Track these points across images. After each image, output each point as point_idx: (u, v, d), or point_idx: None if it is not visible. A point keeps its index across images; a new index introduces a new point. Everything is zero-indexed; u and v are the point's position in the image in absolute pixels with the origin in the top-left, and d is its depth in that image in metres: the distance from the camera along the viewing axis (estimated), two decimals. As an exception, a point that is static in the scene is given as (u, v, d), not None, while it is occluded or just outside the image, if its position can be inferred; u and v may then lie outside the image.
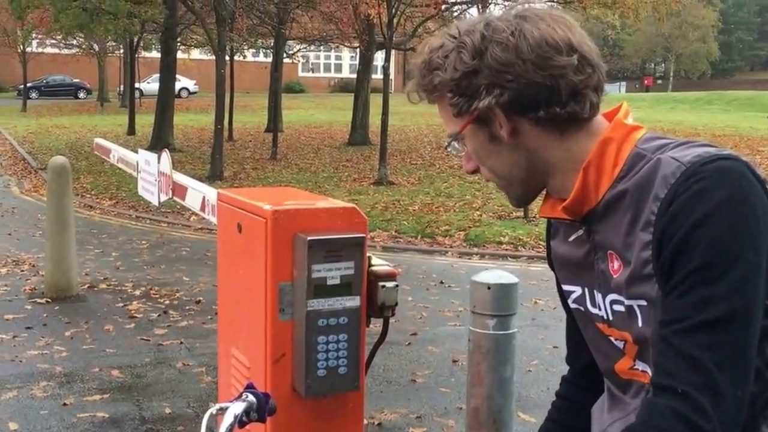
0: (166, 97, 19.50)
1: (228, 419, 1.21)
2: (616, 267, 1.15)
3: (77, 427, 3.90)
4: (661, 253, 1.06)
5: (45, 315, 5.74)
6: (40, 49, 32.82)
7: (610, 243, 1.15)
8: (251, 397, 1.25)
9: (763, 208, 1.04)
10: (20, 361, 4.81)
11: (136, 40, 23.07)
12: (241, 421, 1.23)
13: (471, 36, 1.13)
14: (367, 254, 1.82)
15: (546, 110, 1.13)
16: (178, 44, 22.45)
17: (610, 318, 1.19)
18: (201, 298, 6.27)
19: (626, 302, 1.14)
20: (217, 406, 1.24)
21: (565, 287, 1.29)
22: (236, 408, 1.23)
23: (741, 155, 1.09)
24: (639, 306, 1.12)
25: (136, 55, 24.72)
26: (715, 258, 1.01)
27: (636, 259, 1.10)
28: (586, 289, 1.23)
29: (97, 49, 33.75)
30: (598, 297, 1.20)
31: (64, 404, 4.14)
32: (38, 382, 4.45)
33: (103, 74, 36.40)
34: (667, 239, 1.05)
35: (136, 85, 25.94)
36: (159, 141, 17.95)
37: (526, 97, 1.12)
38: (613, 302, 1.17)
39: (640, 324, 1.13)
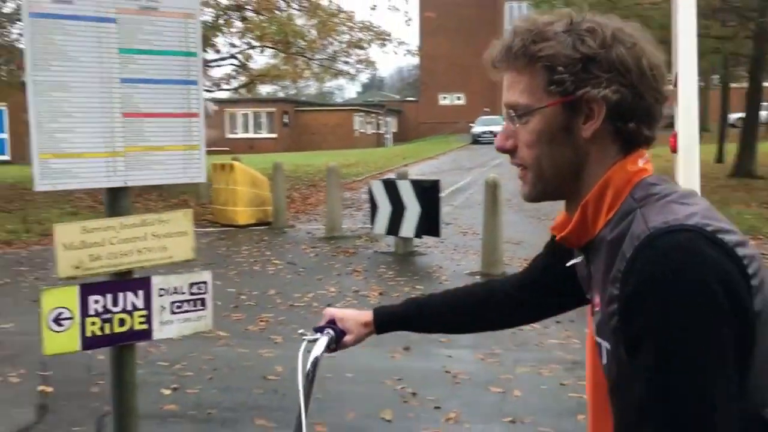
0: (751, 125, 18.81)
1: (320, 347, 1.60)
2: (596, 302, 1.19)
3: (565, 403, 4.54)
4: (624, 323, 1.07)
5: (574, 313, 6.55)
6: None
7: (597, 278, 1.18)
8: (332, 332, 1.63)
9: (718, 287, 1.01)
10: (541, 346, 5.71)
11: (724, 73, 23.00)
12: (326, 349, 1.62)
13: (602, 27, 1.16)
14: None
15: (637, 124, 1.16)
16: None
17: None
18: None
19: (596, 338, 1.20)
20: (307, 338, 1.62)
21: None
22: (324, 340, 1.62)
23: (708, 221, 1.06)
24: (605, 348, 1.16)
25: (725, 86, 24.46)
26: (671, 353, 1.00)
27: (605, 307, 1.13)
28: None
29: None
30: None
31: (561, 384, 4.83)
32: (548, 364, 5.26)
33: (705, 104, 36.72)
34: (627, 319, 1.06)
35: (731, 115, 25.92)
36: (742, 168, 17.50)
37: (629, 105, 1.15)
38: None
39: (604, 361, 1.17)
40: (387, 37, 19.42)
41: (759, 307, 1.04)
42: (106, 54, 2.60)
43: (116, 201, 2.67)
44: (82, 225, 2.55)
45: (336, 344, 1.64)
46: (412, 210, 9.15)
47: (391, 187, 9.45)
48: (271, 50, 19.46)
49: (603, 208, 1.17)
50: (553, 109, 1.17)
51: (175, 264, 2.78)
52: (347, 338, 1.66)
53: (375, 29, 19.21)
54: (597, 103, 1.14)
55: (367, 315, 1.69)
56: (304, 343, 1.58)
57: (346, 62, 20.58)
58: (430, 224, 9.10)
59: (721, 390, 1.00)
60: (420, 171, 22.43)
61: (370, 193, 9.86)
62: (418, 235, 9.24)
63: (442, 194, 10.24)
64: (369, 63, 20.99)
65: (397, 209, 9.31)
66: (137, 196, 14.40)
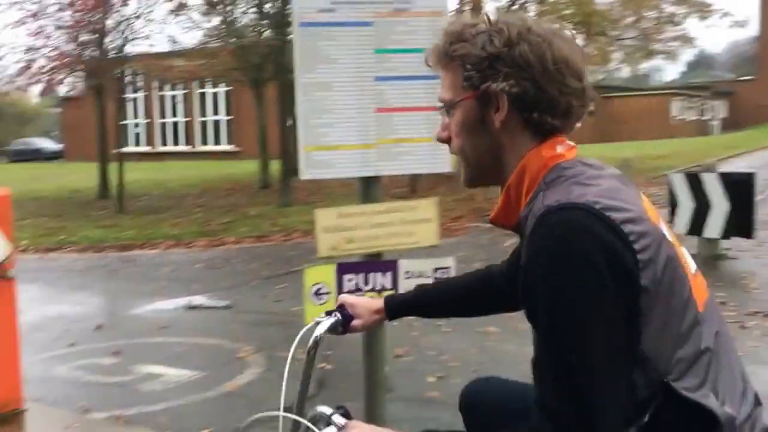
0: None
1: (322, 327, 1.85)
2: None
3: None
4: (524, 294, 1.33)
5: None
6: None
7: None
8: (339, 315, 1.88)
9: (598, 259, 1.23)
10: None
11: None
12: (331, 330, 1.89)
13: (509, 27, 1.40)
14: None
15: (540, 114, 1.40)
16: None
17: None
18: None
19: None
20: (316, 319, 1.89)
21: None
22: (328, 322, 1.88)
23: (600, 199, 1.28)
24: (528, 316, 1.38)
25: None
26: (552, 309, 1.26)
27: (521, 281, 1.35)
28: None
29: None
30: None
31: None
32: None
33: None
34: (526, 290, 1.31)
35: None
36: None
37: (531, 98, 1.40)
38: None
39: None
40: (707, 9, 18.38)
41: (646, 282, 1.27)
42: (363, 55, 3.10)
43: (368, 189, 3.17)
44: (338, 210, 3.09)
45: (343, 328, 1.93)
46: (719, 207, 8.72)
47: (694, 180, 9.09)
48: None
49: (522, 190, 1.41)
50: (469, 103, 1.45)
51: (420, 249, 3.21)
52: (356, 323, 1.93)
53: (692, 1, 18.29)
54: (501, 96, 1.41)
55: (379, 302, 1.95)
56: (312, 323, 1.87)
57: (659, 41, 19.87)
58: (741, 224, 8.60)
59: (603, 349, 1.24)
60: (748, 164, 20.81)
61: (670, 187, 9.58)
62: (726, 236, 8.78)
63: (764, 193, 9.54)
64: (686, 40, 20.02)
65: (702, 206, 8.94)
66: (428, 190, 15.45)
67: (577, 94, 1.44)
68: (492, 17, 1.47)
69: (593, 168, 1.43)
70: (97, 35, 16.67)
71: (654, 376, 1.30)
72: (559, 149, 1.44)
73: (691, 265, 1.48)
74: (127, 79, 22.94)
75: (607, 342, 1.25)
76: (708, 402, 1.31)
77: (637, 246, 1.27)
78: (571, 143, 1.48)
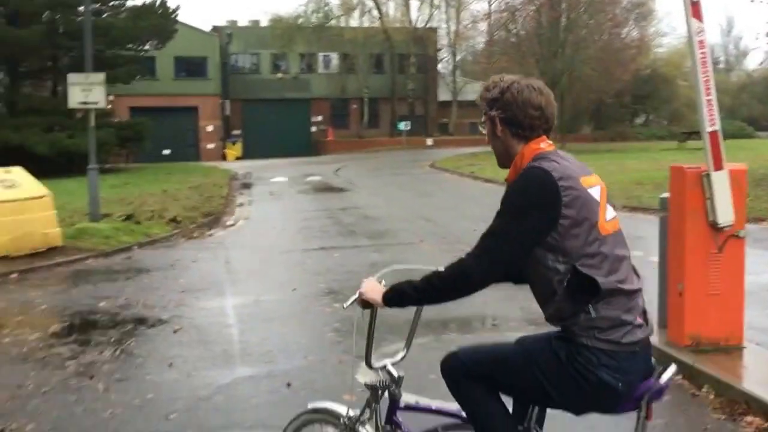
0: None
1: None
2: None
3: None
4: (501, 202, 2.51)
5: None
6: None
7: None
8: None
9: (536, 194, 2.44)
10: None
11: None
12: None
13: (503, 83, 2.65)
14: None
15: (516, 128, 2.63)
16: None
17: None
18: None
19: None
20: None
21: None
22: None
23: (552, 166, 2.48)
24: None
25: None
26: (505, 207, 2.47)
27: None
28: None
29: None
30: None
31: None
32: None
33: None
34: (502, 198, 2.50)
35: None
36: None
37: (511, 120, 2.63)
38: None
39: None
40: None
41: (564, 211, 2.42)
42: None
43: None
44: None
45: None
46: None
47: None
48: None
49: (521, 165, 2.59)
50: (486, 123, 2.71)
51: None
52: None
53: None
54: (496, 118, 2.65)
55: None
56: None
57: None
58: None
59: (515, 233, 2.43)
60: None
61: None
62: None
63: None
64: None
65: None
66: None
67: (535, 117, 2.62)
68: (499, 78, 2.70)
69: (559, 156, 2.58)
70: None
71: (568, 261, 2.44)
72: (542, 145, 2.61)
73: (608, 214, 2.55)
74: None
75: (519, 231, 2.44)
76: (595, 274, 2.42)
77: (563, 192, 2.43)
78: (550, 142, 2.63)
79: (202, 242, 13.08)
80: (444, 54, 60.51)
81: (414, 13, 56.06)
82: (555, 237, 2.42)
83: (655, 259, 6.28)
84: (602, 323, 2.42)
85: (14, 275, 10.06)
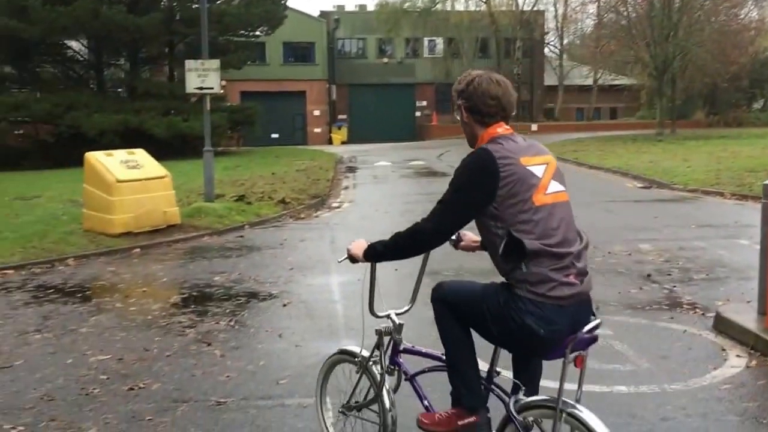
0: None
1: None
2: None
3: None
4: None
5: None
6: None
7: None
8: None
9: (477, 172, 2.96)
10: None
11: None
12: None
13: (468, 77, 3.15)
14: None
15: (477, 115, 3.12)
16: None
17: None
18: None
19: None
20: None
21: None
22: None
23: (496, 148, 2.99)
24: None
25: None
26: (453, 181, 3.00)
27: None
28: None
29: None
30: None
31: None
32: None
33: None
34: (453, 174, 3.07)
35: None
36: None
37: (473, 108, 3.12)
38: None
39: None
40: None
41: (502, 184, 2.92)
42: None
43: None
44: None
45: (455, 244, 3.64)
46: None
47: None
48: None
49: (478, 146, 3.09)
50: (458, 110, 3.20)
51: None
52: (462, 243, 3.65)
53: None
54: (462, 107, 3.16)
55: (478, 236, 3.32)
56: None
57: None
58: None
59: (459, 203, 2.99)
60: None
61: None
62: None
63: None
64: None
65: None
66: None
67: (492, 106, 3.11)
68: (467, 73, 3.21)
69: (509, 139, 3.06)
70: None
71: (504, 226, 2.94)
72: (499, 130, 3.11)
73: (550, 188, 3.02)
74: None
75: (459, 203, 3.00)
76: (524, 238, 2.88)
77: (501, 170, 2.93)
78: (507, 127, 3.14)
79: (309, 223, 13.59)
80: (551, 37, 59.51)
81: (521, -4, 55.37)
82: (494, 206, 2.95)
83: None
84: (531, 278, 2.91)
85: (137, 250, 10.80)
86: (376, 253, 3.26)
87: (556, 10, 57.51)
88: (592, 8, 50.88)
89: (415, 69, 54.64)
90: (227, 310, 7.29)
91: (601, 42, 45.17)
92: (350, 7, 57.31)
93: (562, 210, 3.05)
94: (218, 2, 34.43)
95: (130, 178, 11.51)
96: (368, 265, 3.42)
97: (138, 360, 5.80)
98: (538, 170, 3.01)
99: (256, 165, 26.16)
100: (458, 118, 3.20)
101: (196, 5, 32.61)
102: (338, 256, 9.92)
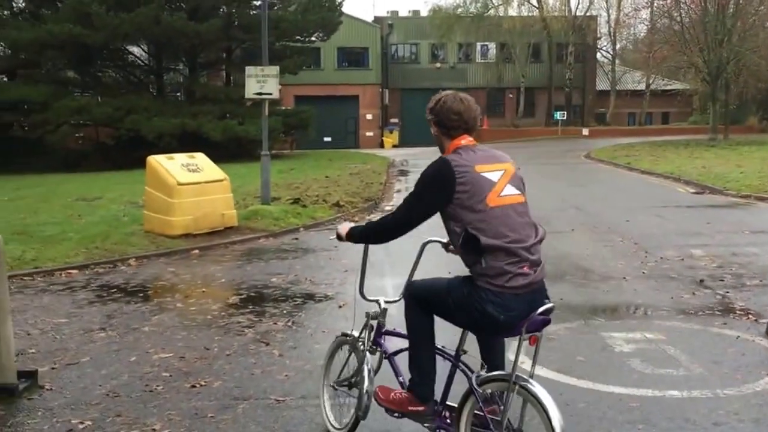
0: None
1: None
2: None
3: None
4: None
5: None
6: None
7: None
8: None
9: (436, 178, 3.44)
10: None
11: None
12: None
13: (438, 97, 3.67)
14: None
15: (443, 129, 3.62)
16: None
17: None
18: None
19: None
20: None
21: None
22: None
23: (455, 158, 3.45)
24: None
25: None
26: (417, 184, 3.53)
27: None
28: None
29: None
30: None
31: None
32: None
33: None
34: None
35: None
36: None
37: (440, 123, 3.62)
38: None
39: None
40: None
41: (459, 189, 3.36)
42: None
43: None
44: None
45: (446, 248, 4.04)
46: None
47: None
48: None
49: (444, 155, 3.56)
50: (430, 125, 3.69)
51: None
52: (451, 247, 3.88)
53: None
54: (432, 122, 3.66)
55: None
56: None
57: None
58: None
59: (418, 204, 3.53)
60: None
61: None
62: None
63: None
64: None
65: None
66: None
67: (455, 120, 3.58)
68: (439, 94, 3.68)
69: (471, 149, 3.52)
70: None
71: (462, 225, 3.38)
72: (462, 142, 3.57)
73: (505, 191, 3.43)
74: None
75: (417, 205, 3.52)
76: (479, 235, 3.30)
77: (458, 177, 3.37)
78: (471, 139, 3.58)
79: (362, 226, 13.67)
80: (603, 42, 58.79)
81: (573, 2, 54.88)
82: (452, 208, 3.40)
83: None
84: (490, 271, 3.34)
85: (196, 251, 11.02)
86: (354, 235, 3.88)
87: (608, 15, 56.84)
88: (645, 13, 50.23)
89: (467, 74, 54.51)
90: (284, 311, 7.41)
91: (653, 47, 44.43)
92: (404, 12, 57.64)
93: (516, 210, 3.46)
94: (276, 8, 34.86)
95: (190, 181, 11.75)
96: (362, 252, 4.16)
97: (199, 358, 5.93)
98: (493, 176, 3.45)
99: (309, 168, 26.40)
100: (431, 131, 3.69)
101: (254, 12, 33.17)
102: (392, 259, 10.32)
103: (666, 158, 26.59)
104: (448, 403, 3.74)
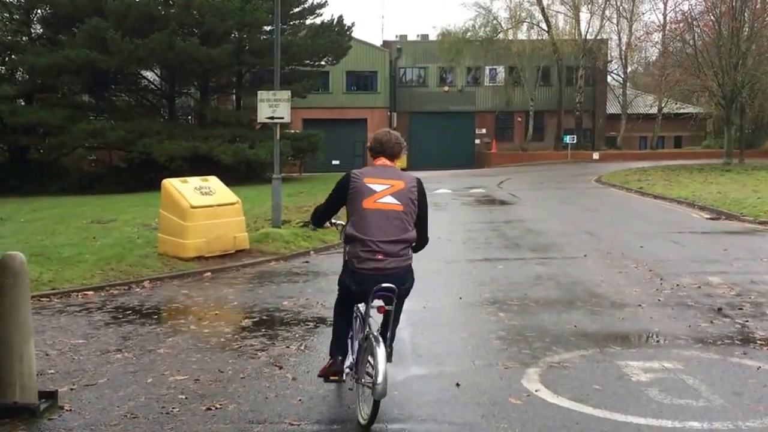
0: None
1: None
2: None
3: None
4: None
5: None
6: None
7: None
8: None
9: (339, 183, 5.14)
10: None
11: None
12: None
13: (378, 134, 5.32)
14: None
15: (375, 152, 5.20)
16: None
17: None
18: None
19: None
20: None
21: None
22: None
23: (357, 172, 5.12)
24: None
25: None
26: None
27: None
28: None
29: None
30: None
31: None
32: None
33: None
34: None
35: None
36: None
37: (373, 148, 5.22)
38: None
39: None
40: None
41: (350, 194, 5.03)
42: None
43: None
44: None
45: None
46: None
47: None
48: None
49: None
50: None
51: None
52: None
53: None
54: (369, 148, 5.29)
55: None
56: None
57: None
58: None
59: (330, 198, 5.26)
60: None
61: None
62: None
63: None
64: None
65: None
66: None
67: (379, 148, 5.15)
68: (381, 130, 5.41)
69: (375, 167, 5.12)
70: None
71: (348, 219, 5.06)
72: (377, 162, 5.15)
73: (381, 200, 4.90)
74: None
75: (329, 199, 5.26)
76: (349, 228, 4.97)
77: (350, 184, 5.01)
78: (385, 161, 5.12)
79: (373, 250, 13.72)
80: (614, 66, 59.01)
81: (584, 25, 55.17)
82: (347, 205, 5.06)
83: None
84: (351, 255, 4.97)
85: (208, 274, 11.09)
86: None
87: (619, 39, 57.09)
88: (657, 36, 50.42)
89: (475, 97, 54.76)
90: (297, 335, 7.45)
91: (666, 70, 44.59)
92: (412, 36, 57.90)
93: (385, 215, 4.92)
94: (286, 33, 35.22)
95: (203, 204, 11.85)
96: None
97: (214, 381, 5.98)
98: (377, 187, 4.96)
99: (319, 191, 26.49)
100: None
101: (265, 37, 33.52)
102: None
103: (680, 183, 26.60)
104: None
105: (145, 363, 6.52)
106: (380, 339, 4.82)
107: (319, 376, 5.35)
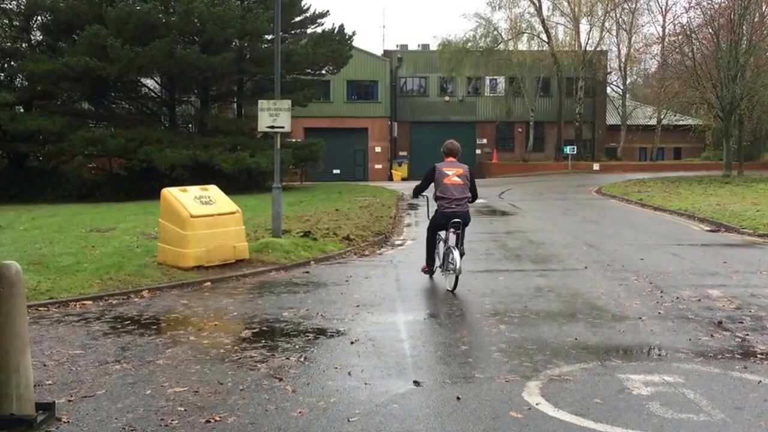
0: None
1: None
2: None
3: None
4: None
5: None
6: None
7: None
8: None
9: (427, 170, 10.79)
10: None
11: None
12: None
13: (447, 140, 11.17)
14: None
15: (445, 153, 10.79)
16: None
17: None
18: None
19: None
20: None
21: None
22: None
23: (436, 165, 10.68)
24: None
25: None
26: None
27: None
28: None
29: None
30: None
31: None
32: None
33: None
34: None
35: None
36: None
37: (444, 151, 10.86)
38: None
39: None
40: None
41: (435, 176, 10.54)
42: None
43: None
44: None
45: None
46: None
47: None
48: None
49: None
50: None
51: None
52: None
53: None
54: (442, 151, 11.04)
55: None
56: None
57: None
58: None
59: (424, 177, 10.84)
60: None
61: None
62: None
63: None
64: None
65: None
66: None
67: (447, 151, 10.73)
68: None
69: (447, 162, 10.55)
70: None
71: (436, 189, 10.62)
72: (448, 159, 10.65)
73: (453, 179, 10.38)
74: None
75: (424, 181, 10.84)
76: (438, 194, 10.51)
77: (435, 172, 10.54)
78: (452, 158, 10.65)
79: (373, 260, 13.72)
80: (614, 77, 59.18)
81: (583, 37, 55.33)
82: (434, 183, 10.48)
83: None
84: (440, 206, 10.47)
85: (208, 283, 11.06)
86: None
87: (619, 50, 57.26)
88: (656, 49, 50.56)
89: (476, 107, 54.89)
90: (297, 346, 7.42)
91: (665, 82, 44.68)
92: (413, 46, 58.09)
93: (454, 185, 10.28)
94: (287, 42, 35.28)
95: (202, 214, 11.83)
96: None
97: (213, 393, 5.94)
98: (449, 172, 10.35)
99: (319, 201, 26.50)
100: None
101: (266, 45, 33.58)
102: (404, 293, 10.67)
103: (679, 194, 26.58)
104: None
105: (144, 374, 6.49)
106: (455, 248, 10.01)
107: (423, 271, 11.09)
